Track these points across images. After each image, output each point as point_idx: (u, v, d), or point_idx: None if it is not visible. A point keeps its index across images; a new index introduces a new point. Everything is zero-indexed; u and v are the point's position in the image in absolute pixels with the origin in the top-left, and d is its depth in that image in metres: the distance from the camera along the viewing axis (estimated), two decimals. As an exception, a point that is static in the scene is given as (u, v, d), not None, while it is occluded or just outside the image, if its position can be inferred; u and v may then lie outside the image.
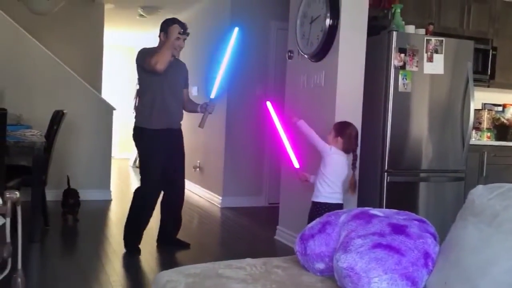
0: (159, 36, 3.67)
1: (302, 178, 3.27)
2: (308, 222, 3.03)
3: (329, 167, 3.00)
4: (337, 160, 3.00)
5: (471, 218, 1.40)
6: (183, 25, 3.63)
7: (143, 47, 3.74)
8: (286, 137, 3.34)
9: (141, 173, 3.69)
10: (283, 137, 3.34)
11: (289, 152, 3.34)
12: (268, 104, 3.42)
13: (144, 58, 3.54)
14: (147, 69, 3.53)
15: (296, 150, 3.38)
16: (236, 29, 3.67)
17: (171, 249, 3.91)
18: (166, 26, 3.62)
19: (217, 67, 3.80)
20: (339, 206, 2.97)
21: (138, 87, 3.69)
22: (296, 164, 3.33)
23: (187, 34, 3.66)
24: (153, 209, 3.71)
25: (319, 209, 2.97)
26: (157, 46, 3.65)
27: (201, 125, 3.73)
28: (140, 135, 3.65)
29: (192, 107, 3.88)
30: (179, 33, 3.57)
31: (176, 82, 3.73)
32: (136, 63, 3.65)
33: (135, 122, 3.71)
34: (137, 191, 3.69)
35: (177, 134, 3.76)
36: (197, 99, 4.46)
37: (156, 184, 3.63)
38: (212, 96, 3.76)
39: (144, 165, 3.66)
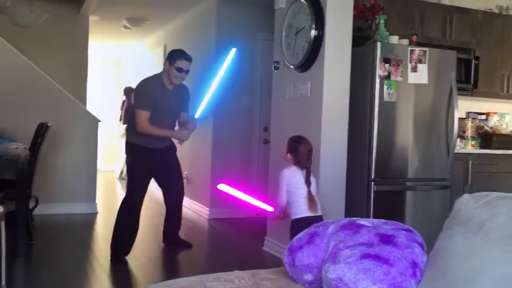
0: (164, 63, 3.82)
1: (284, 214, 3.07)
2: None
3: (291, 186, 2.93)
4: (288, 177, 2.93)
5: (458, 227, 1.41)
6: (186, 61, 3.72)
7: (144, 79, 3.84)
8: (249, 196, 3.33)
9: (128, 185, 3.80)
10: (248, 200, 3.35)
11: (257, 204, 3.32)
12: (221, 187, 3.44)
13: (137, 105, 3.68)
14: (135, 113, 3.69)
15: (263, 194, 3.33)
16: (234, 50, 3.66)
17: (158, 261, 3.88)
18: (171, 59, 3.73)
19: (206, 86, 3.84)
20: (319, 218, 2.89)
21: (124, 97, 3.73)
22: (269, 208, 3.23)
23: (186, 72, 3.76)
24: (137, 219, 3.78)
25: (300, 225, 2.88)
26: (158, 78, 3.78)
27: (180, 142, 3.93)
28: (132, 150, 3.79)
29: (182, 123, 4.04)
30: (178, 70, 3.69)
31: (174, 110, 3.87)
32: (128, 91, 3.81)
33: (129, 138, 3.82)
34: (122, 203, 3.77)
35: (169, 147, 3.95)
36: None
37: (140, 196, 3.75)
38: (197, 115, 3.86)
39: (131, 178, 3.82)
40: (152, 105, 3.65)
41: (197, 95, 4.18)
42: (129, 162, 3.83)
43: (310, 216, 2.88)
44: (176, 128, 4.02)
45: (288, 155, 2.99)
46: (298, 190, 2.91)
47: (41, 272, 3.45)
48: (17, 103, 5.20)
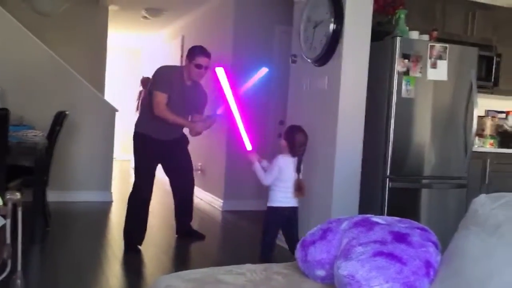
0: (185, 59, 3.82)
1: (253, 160, 3.08)
2: (265, 227, 3.07)
3: (281, 174, 3.03)
4: (282, 165, 3.02)
5: (474, 227, 1.39)
6: (205, 57, 3.71)
7: (164, 65, 3.89)
8: (239, 114, 3.04)
9: (135, 175, 3.84)
10: (235, 113, 3.02)
11: (241, 132, 3.06)
12: (219, 70, 3.02)
13: (155, 87, 3.67)
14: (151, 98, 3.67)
15: (250, 131, 3.09)
16: (265, 70, 3.45)
17: (171, 252, 3.91)
18: (190, 55, 3.74)
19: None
20: (294, 209, 3.07)
21: (141, 87, 3.72)
22: (249, 146, 3.10)
23: (206, 68, 3.75)
24: (146, 208, 3.81)
25: (275, 214, 3.05)
26: (178, 69, 3.84)
27: (192, 133, 3.88)
28: (140, 141, 3.79)
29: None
30: (197, 67, 3.69)
31: (188, 106, 3.84)
32: (151, 81, 3.80)
33: (137, 127, 3.84)
34: (131, 193, 3.82)
35: (179, 139, 3.93)
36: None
37: (148, 186, 3.78)
38: (219, 112, 3.78)
39: (138, 168, 3.84)
40: (168, 89, 3.64)
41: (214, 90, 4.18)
42: (136, 152, 3.83)
43: (288, 207, 3.04)
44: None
45: (284, 141, 3.07)
46: (285, 178, 3.02)
47: (56, 259, 3.50)
48: (36, 91, 5.27)
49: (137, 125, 3.86)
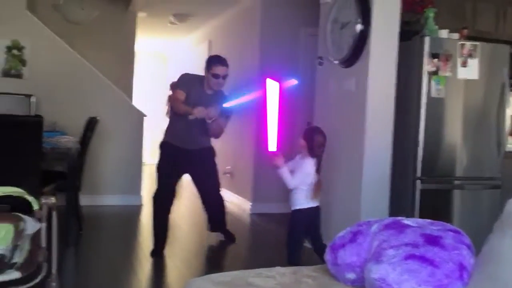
0: (204, 70, 3.82)
1: (277, 163, 2.98)
2: (291, 231, 3.04)
3: (307, 177, 3.01)
4: (310, 170, 3.01)
5: (509, 230, 1.36)
6: (221, 66, 3.71)
7: (186, 72, 3.94)
8: (277, 118, 2.83)
9: (156, 182, 3.89)
10: (271, 115, 2.83)
11: (270, 133, 2.85)
12: (272, 83, 2.89)
13: (175, 87, 3.79)
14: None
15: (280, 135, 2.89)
16: (294, 82, 3.35)
17: (201, 255, 3.94)
18: (207, 66, 3.76)
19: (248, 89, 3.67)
20: (317, 209, 3.07)
21: (170, 92, 3.72)
22: (274, 147, 2.88)
23: (224, 77, 3.75)
24: (166, 215, 3.83)
25: (300, 216, 3.04)
26: (200, 77, 3.83)
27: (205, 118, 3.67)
28: (164, 149, 3.88)
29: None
30: (214, 77, 3.70)
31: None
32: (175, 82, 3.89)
33: (164, 137, 3.93)
34: (152, 199, 3.89)
35: (203, 150, 3.90)
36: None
37: (166, 193, 3.83)
38: (226, 105, 3.73)
39: (157, 175, 3.87)
40: (186, 88, 3.70)
41: (238, 89, 4.20)
42: (159, 160, 3.89)
43: (312, 207, 3.03)
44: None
45: (303, 141, 3.05)
46: (308, 180, 3.01)
47: (89, 261, 3.58)
48: (68, 98, 5.39)
49: (164, 134, 3.94)
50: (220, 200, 4.13)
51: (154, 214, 3.85)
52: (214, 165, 4.02)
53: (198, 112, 3.58)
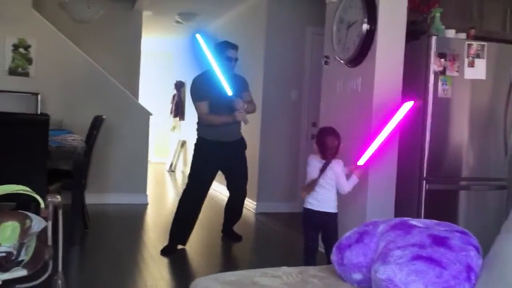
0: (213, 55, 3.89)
1: (361, 175, 3.04)
2: (336, 232, 3.00)
3: (307, 174, 3.02)
4: (309, 166, 3.01)
5: (517, 231, 1.35)
6: (233, 50, 3.87)
7: (196, 76, 3.96)
8: (385, 138, 3.03)
9: (189, 177, 3.93)
10: (383, 134, 3.01)
11: (370, 149, 3.01)
12: (408, 104, 3.03)
13: (194, 99, 3.87)
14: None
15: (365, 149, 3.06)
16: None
17: (206, 254, 3.94)
18: (218, 50, 3.82)
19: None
20: (317, 213, 2.98)
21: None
22: (362, 162, 3.04)
23: (235, 60, 3.89)
24: (196, 211, 3.88)
25: (304, 215, 3.04)
26: (206, 72, 3.84)
27: (245, 122, 3.90)
28: (199, 145, 3.94)
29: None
30: (228, 60, 3.82)
31: (229, 98, 3.83)
32: (191, 94, 3.93)
33: (198, 133, 3.97)
34: (183, 193, 3.91)
35: (237, 142, 4.02)
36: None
37: (199, 189, 3.86)
38: (230, 93, 3.76)
39: (192, 170, 3.91)
40: (206, 96, 3.78)
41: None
42: (193, 155, 3.96)
43: (312, 210, 2.96)
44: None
45: (315, 144, 3.02)
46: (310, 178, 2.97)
47: (95, 260, 3.59)
48: (74, 96, 5.41)
49: (197, 130, 3.99)
50: (243, 198, 4.21)
51: (182, 209, 3.85)
52: (245, 158, 4.12)
53: (239, 116, 3.78)
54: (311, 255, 2.97)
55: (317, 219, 2.96)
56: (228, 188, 4.20)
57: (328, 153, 2.94)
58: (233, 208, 4.25)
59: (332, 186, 2.95)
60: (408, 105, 3.01)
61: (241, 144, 4.09)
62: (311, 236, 3.01)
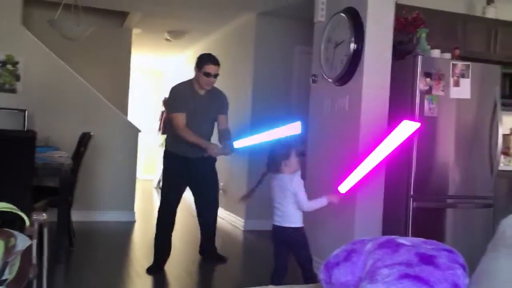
0: (194, 69, 3.82)
1: (333, 201, 2.90)
2: (307, 246, 2.92)
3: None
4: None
5: (503, 249, 1.36)
6: (213, 65, 3.72)
7: (175, 84, 3.91)
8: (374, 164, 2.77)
9: (161, 193, 3.93)
10: (372, 160, 2.75)
11: (354, 176, 2.77)
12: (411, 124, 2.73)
13: (171, 109, 3.75)
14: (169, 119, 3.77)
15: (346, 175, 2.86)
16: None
17: (194, 272, 3.90)
18: (199, 64, 3.76)
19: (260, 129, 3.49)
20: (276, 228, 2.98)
21: (163, 108, 3.74)
22: (344, 190, 2.83)
23: (215, 76, 3.75)
24: (171, 227, 3.84)
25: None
26: (188, 83, 3.84)
27: (211, 153, 3.74)
28: (169, 158, 3.88)
29: (222, 137, 3.87)
30: (206, 75, 3.70)
31: (208, 114, 3.83)
32: (166, 102, 3.80)
33: (167, 146, 3.93)
34: (158, 211, 3.87)
35: (207, 157, 3.81)
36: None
37: (173, 204, 3.82)
38: (236, 145, 3.66)
39: (164, 185, 3.90)
40: (184, 107, 3.68)
41: (234, 107, 4.20)
42: (164, 169, 3.92)
43: (277, 226, 2.97)
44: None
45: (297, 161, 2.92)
46: None
47: (80, 278, 3.53)
48: (61, 113, 5.38)
49: (167, 143, 3.95)
50: (215, 215, 4.07)
51: (158, 226, 3.82)
52: (215, 173, 3.99)
53: (215, 153, 3.68)
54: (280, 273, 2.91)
55: (282, 234, 2.93)
56: (198, 206, 4.03)
57: (269, 165, 2.92)
58: (208, 225, 4.06)
59: (289, 201, 2.87)
60: (411, 125, 2.61)
61: (212, 158, 3.88)
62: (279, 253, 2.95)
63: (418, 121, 3.39)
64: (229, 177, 6.20)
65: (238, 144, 3.60)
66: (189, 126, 3.68)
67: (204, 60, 3.73)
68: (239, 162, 5.86)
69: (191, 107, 3.71)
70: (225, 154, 3.74)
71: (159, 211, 3.85)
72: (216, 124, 3.91)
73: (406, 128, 2.62)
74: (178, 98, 3.74)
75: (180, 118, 3.66)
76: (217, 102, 3.89)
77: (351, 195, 3.04)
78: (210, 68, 3.70)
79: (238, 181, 5.86)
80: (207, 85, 3.75)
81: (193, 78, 3.85)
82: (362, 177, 2.72)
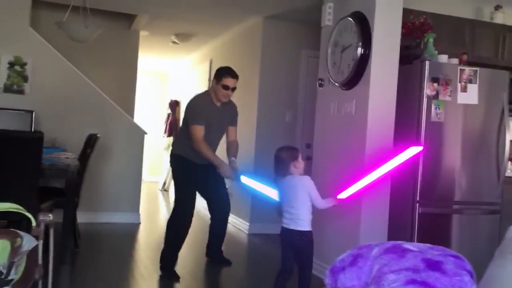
0: (212, 81, 3.89)
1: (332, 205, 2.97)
2: (312, 250, 2.92)
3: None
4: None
5: (510, 256, 1.35)
6: (232, 78, 3.77)
7: (195, 96, 3.94)
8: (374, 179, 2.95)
9: (177, 196, 3.83)
10: (374, 175, 2.93)
11: (356, 186, 2.94)
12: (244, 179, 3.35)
13: (191, 121, 3.73)
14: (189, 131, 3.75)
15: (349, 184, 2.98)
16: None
17: (199, 276, 3.90)
18: (218, 77, 3.80)
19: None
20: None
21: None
22: (343, 197, 2.95)
23: (233, 90, 3.81)
24: (187, 230, 3.78)
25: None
26: (206, 95, 3.88)
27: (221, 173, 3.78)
28: (178, 162, 3.84)
29: (231, 151, 3.95)
30: (224, 88, 3.75)
31: (221, 125, 3.89)
32: (185, 114, 3.84)
33: (174, 150, 3.89)
34: (172, 214, 3.80)
35: (208, 166, 3.81)
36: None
37: (190, 207, 3.75)
38: (243, 179, 3.62)
39: (180, 189, 3.82)
40: (204, 120, 3.71)
41: (240, 111, 4.20)
42: (177, 174, 3.89)
43: (286, 228, 2.94)
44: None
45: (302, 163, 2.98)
46: None
47: (85, 280, 3.54)
48: (68, 114, 5.41)
49: (175, 147, 3.94)
50: (226, 215, 4.11)
51: (174, 231, 3.74)
52: (222, 177, 3.95)
53: (226, 175, 3.73)
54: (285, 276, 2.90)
55: (291, 237, 2.91)
56: (211, 209, 4.08)
57: (277, 169, 3.01)
58: (219, 227, 4.10)
59: (302, 203, 2.87)
60: (414, 150, 2.90)
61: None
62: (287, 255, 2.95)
63: (425, 127, 3.41)
64: (235, 180, 6.20)
65: (244, 180, 3.58)
66: (204, 137, 3.72)
67: (223, 73, 3.79)
68: (244, 165, 5.85)
69: (209, 120, 3.75)
70: (231, 179, 3.80)
71: (174, 218, 3.75)
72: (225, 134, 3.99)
73: (410, 152, 2.89)
74: (199, 110, 3.76)
75: (199, 131, 3.69)
76: (230, 113, 3.95)
77: (355, 200, 3.08)
78: (229, 81, 3.75)
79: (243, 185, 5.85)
80: (224, 98, 3.80)
81: (209, 90, 3.89)
82: (361, 188, 2.88)
